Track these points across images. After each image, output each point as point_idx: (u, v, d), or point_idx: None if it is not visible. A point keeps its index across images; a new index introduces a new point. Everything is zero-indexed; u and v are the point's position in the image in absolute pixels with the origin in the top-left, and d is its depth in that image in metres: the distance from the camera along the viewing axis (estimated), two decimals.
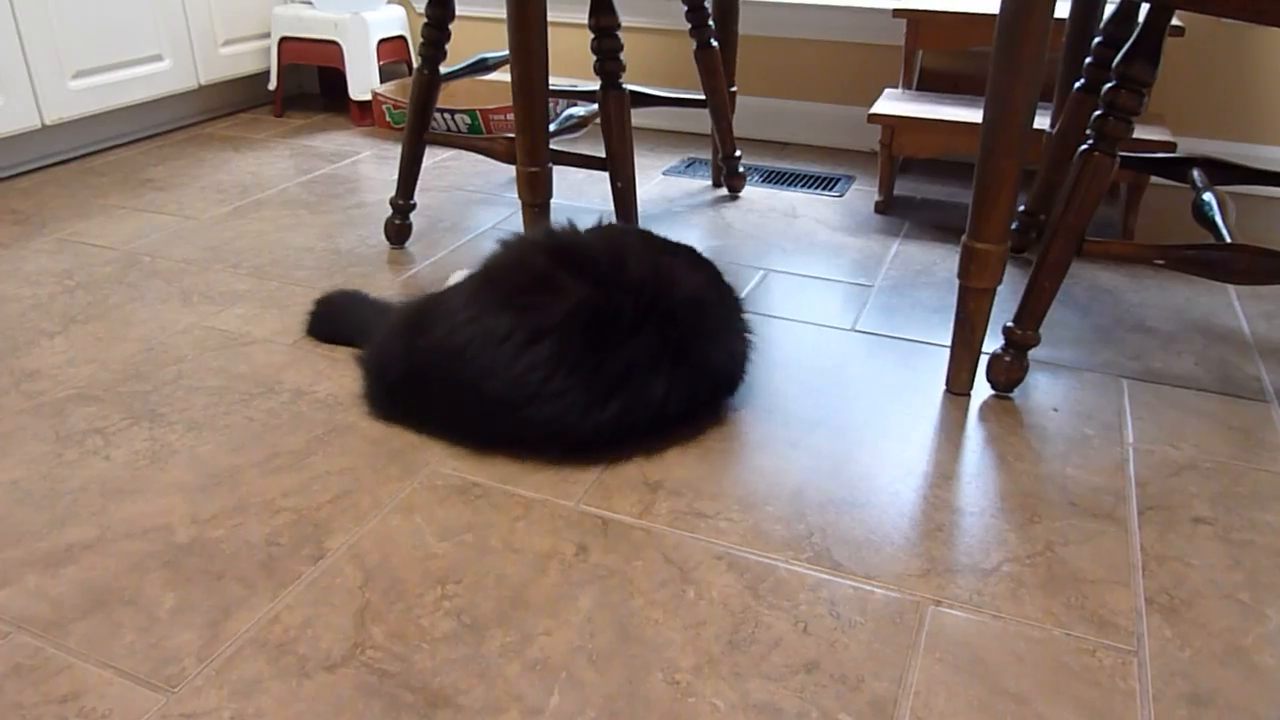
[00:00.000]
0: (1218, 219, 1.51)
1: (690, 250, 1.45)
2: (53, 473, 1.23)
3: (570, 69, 2.75)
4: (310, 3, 2.79)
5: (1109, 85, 1.28)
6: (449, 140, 1.91)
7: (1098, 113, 1.29)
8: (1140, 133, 1.88)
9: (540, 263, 1.29)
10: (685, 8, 2.00)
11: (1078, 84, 1.66)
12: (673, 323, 1.26)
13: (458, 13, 1.79)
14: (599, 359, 1.21)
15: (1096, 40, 1.60)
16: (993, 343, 1.43)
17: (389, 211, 1.93)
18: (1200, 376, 1.46)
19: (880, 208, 2.13)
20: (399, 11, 2.87)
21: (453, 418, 1.28)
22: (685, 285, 1.31)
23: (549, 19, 1.55)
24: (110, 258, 1.88)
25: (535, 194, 1.65)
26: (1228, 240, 1.46)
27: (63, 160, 2.45)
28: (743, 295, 1.72)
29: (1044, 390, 1.42)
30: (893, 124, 2.04)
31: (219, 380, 1.44)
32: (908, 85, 2.28)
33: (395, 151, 2.55)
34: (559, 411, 1.20)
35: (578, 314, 1.22)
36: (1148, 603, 1.02)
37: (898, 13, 2.18)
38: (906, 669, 0.93)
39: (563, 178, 2.31)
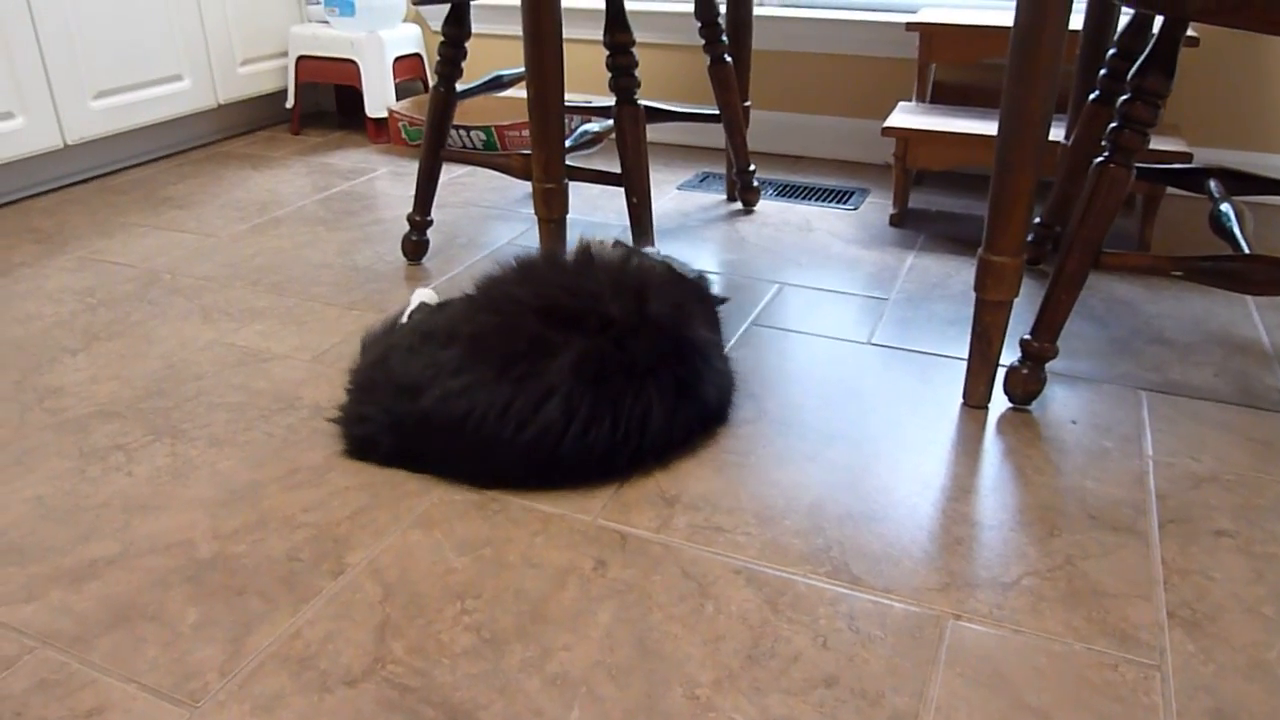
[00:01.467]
0: (1235, 230, 1.50)
1: (669, 271, 1.48)
2: (76, 489, 1.24)
3: (585, 85, 2.77)
4: (327, 22, 2.81)
5: (1124, 97, 1.28)
6: (465, 157, 1.92)
7: (1113, 125, 1.29)
8: (1156, 143, 1.88)
9: (529, 325, 1.27)
10: (699, 24, 2.01)
11: (1092, 95, 1.66)
12: (673, 359, 1.27)
13: (473, 31, 1.81)
14: (612, 405, 1.22)
15: (1111, 52, 1.60)
16: (1010, 355, 1.43)
17: (406, 228, 1.95)
18: (1220, 388, 1.45)
19: (895, 221, 2.13)
20: (415, 30, 2.89)
21: (461, 475, 1.25)
22: (681, 323, 1.33)
23: (564, 36, 1.56)
24: (131, 275, 1.90)
25: (551, 209, 1.66)
26: (1245, 251, 1.45)
27: (84, 179, 2.48)
28: (758, 308, 1.72)
29: (1062, 403, 1.42)
30: (907, 137, 2.05)
31: (239, 396, 1.45)
32: (921, 98, 2.28)
33: (411, 168, 2.57)
34: (580, 462, 1.22)
35: (579, 368, 1.22)
36: (1169, 616, 1.02)
37: (910, 26, 2.19)
38: (927, 683, 0.93)
39: (578, 193, 2.33)
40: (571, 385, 1.20)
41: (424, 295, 1.54)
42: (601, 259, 1.41)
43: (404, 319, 1.48)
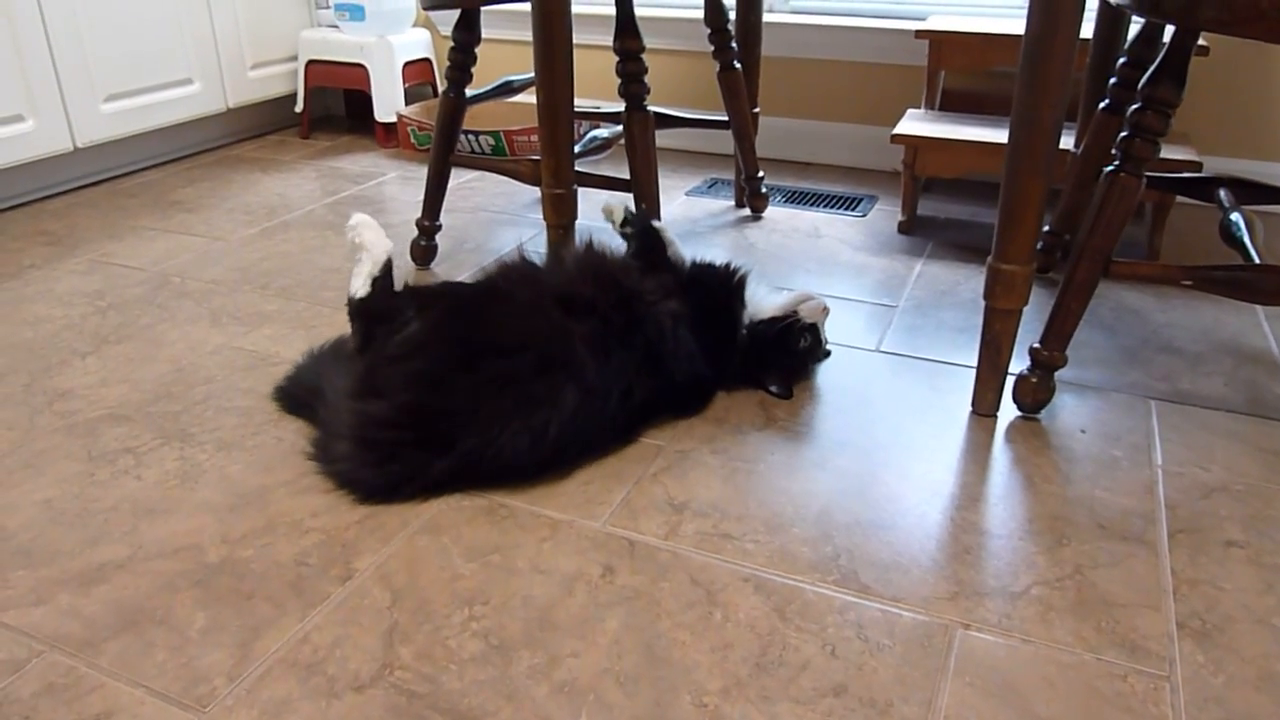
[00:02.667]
0: (1245, 239, 1.50)
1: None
2: (85, 492, 1.24)
3: (595, 91, 2.77)
4: (337, 26, 2.82)
5: (1135, 106, 1.27)
6: (474, 162, 1.93)
7: (1124, 134, 1.29)
8: (1166, 152, 1.87)
9: (559, 320, 1.34)
10: (709, 30, 2.01)
11: (1102, 104, 1.66)
12: (639, 326, 1.37)
13: (483, 36, 1.82)
14: (624, 372, 1.32)
15: (1121, 60, 1.60)
16: (1019, 364, 1.43)
17: (414, 232, 1.95)
18: (1229, 397, 1.45)
19: (903, 228, 2.13)
20: (424, 35, 2.90)
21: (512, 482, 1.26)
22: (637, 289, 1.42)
23: (574, 42, 1.56)
24: (141, 279, 1.90)
25: (560, 215, 1.66)
26: (1255, 260, 1.45)
27: (94, 182, 2.49)
28: None
29: (1071, 411, 1.42)
30: (916, 144, 2.05)
31: (248, 400, 1.45)
32: (930, 106, 2.28)
33: (420, 173, 2.57)
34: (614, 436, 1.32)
35: (592, 345, 1.30)
36: (1179, 627, 1.01)
37: (920, 34, 2.19)
38: (936, 693, 0.93)
39: (587, 198, 2.32)
40: (597, 364, 1.29)
41: (371, 239, 1.39)
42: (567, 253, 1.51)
43: (365, 286, 1.37)
